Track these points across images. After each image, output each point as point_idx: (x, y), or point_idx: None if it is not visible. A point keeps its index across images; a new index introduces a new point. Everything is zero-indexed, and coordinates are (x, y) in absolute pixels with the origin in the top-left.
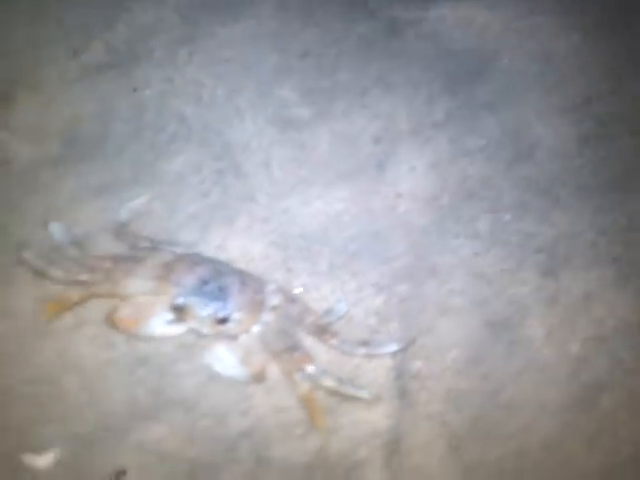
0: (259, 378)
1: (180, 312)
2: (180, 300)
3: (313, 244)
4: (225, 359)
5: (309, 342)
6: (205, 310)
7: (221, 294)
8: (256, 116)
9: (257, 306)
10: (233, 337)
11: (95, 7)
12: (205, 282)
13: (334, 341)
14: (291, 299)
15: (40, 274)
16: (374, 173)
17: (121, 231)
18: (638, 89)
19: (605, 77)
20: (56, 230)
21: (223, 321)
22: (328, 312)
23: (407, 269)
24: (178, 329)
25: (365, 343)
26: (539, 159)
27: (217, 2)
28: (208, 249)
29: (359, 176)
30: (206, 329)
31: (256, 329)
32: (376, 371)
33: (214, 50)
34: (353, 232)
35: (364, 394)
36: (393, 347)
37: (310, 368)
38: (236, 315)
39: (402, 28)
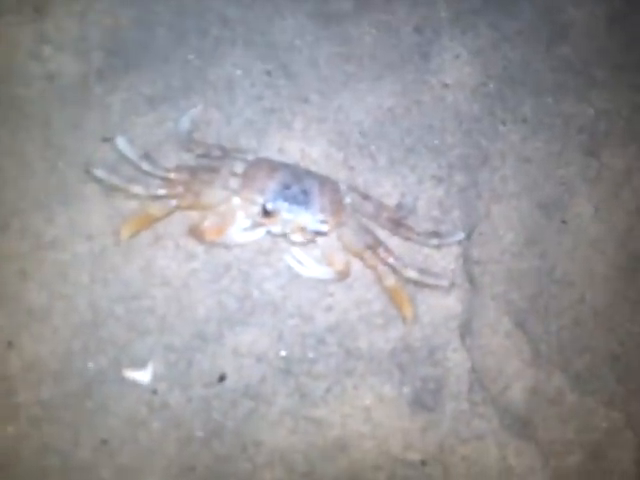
0: (344, 275)
1: (269, 216)
2: (270, 205)
3: (371, 140)
4: (305, 261)
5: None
6: (293, 213)
7: (305, 197)
8: (296, 12)
9: (338, 206)
10: (311, 239)
11: None
12: (287, 186)
13: (410, 234)
14: (364, 196)
15: (117, 190)
16: (419, 63)
17: (187, 141)
18: None
19: None
20: (123, 145)
21: (321, 234)
22: (399, 207)
23: (462, 159)
24: (257, 234)
25: (436, 234)
26: (573, 39)
27: None
28: (269, 153)
29: (405, 67)
30: (292, 232)
31: (334, 235)
32: (445, 259)
33: None
34: (407, 125)
35: (443, 282)
36: (460, 235)
37: (393, 261)
38: (322, 218)
39: None
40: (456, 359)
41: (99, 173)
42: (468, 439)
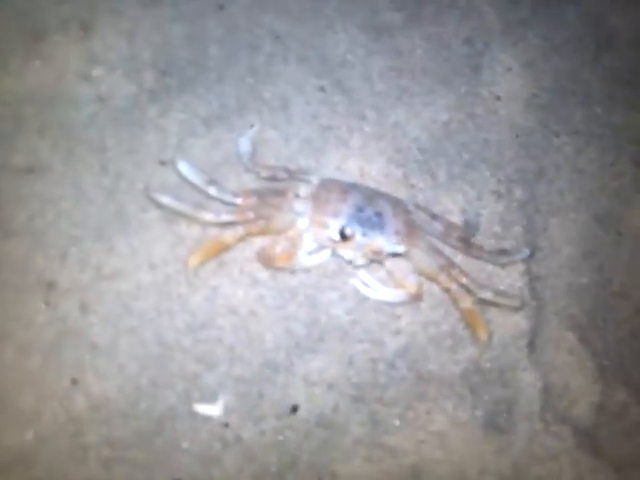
0: (418, 297)
1: (345, 241)
2: (348, 230)
3: (429, 157)
4: (372, 283)
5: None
6: (367, 237)
7: (379, 220)
8: (347, 25)
9: (411, 228)
10: (379, 261)
11: None
12: (360, 209)
13: (480, 253)
14: (432, 216)
15: (183, 217)
16: (471, 76)
17: (249, 163)
18: None
19: None
20: (186, 169)
21: (397, 255)
22: (467, 225)
23: (519, 172)
24: (323, 256)
25: (504, 252)
26: (619, 48)
27: None
28: (328, 172)
29: (457, 80)
30: (361, 256)
31: (406, 258)
32: (511, 276)
33: None
34: (463, 140)
35: (516, 302)
36: (526, 253)
37: (467, 282)
38: (397, 240)
39: None
40: (526, 379)
41: (165, 200)
42: (542, 459)
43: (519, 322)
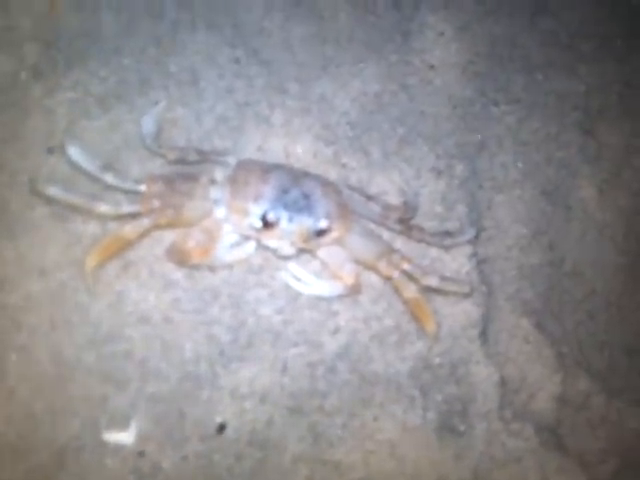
0: (356, 288)
1: (268, 228)
2: (272, 215)
3: (361, 132)
4: (304, 277)
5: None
6: (294, 222)
7: (307, 202)
8: None
9: (344, 210)
10: (310, 250)
11: None
12: (285, 191)
13: (422, 235)
14: (368, 197)
15: (76, 211)
16: (401, 43)
17: (154, 146)
18: None
19: None
20: (77, 154)
21: (322, 233)
22: (406, 206)
23: (459, 147)
24: (248, 249)
25: (448, 234)
26: (556, 11)
27: None
28: (248, 154)
29: (387, 48)
30: (289, 244)
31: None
32: (457, 261)
33: None
34: (397, 113)
35: (465, 288)
36: (472, 233)
37: (411, 269)
38: (330, 233)
39: None
40: (481, 373)
41: (52, 191)
42: (504, 462)
43: (469, 310)
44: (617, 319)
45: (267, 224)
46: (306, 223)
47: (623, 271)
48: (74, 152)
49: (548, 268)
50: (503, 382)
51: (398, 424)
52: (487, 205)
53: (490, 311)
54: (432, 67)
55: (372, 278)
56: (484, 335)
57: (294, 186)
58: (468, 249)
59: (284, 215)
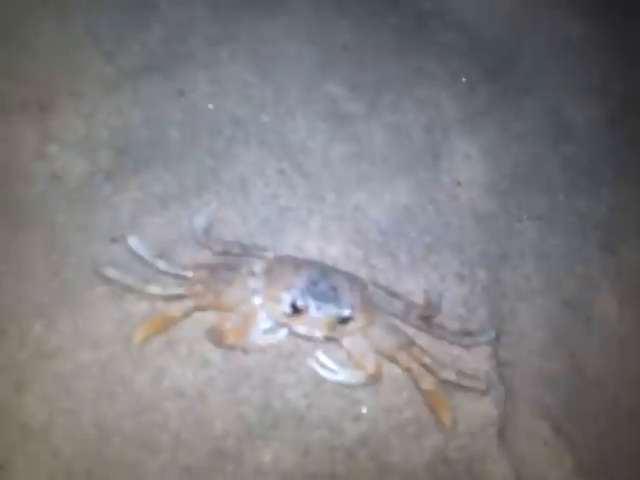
0: (376, 378)
1: (297, 314)
2: (300, 302)
3: (390, 238)
4: (330, 365)
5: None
6: (322, 311)
7: (334, 294)
8: (307, 113)
9: (368, 304)
10: (336, 341)
11: (128, 6)
12: (315, 283)
13: (442, 333)
14: (392, 294)
15: (130, 291)
16: (431, 163)
17: (203, 239)
18: None
19: (618, 56)
20: (135, 243)
21: (345, 321)
22: (428, 304)
23: (483, 256)
24: (280, 336)
25: (468, 333)
26: (578, 139)
27: None
28: (286, 252)
29: (417, 167)
30: (317, 331)
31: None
32: (477, 360)
33: (254, 48)
34: (425, 223)
35: (480, 385)
36: (492, 334)
37: (428, 362)
38: (353, 321)
39: (429, 19)
40: (497, 470)
41: (110, 273)
42: None
43: (488, 410)
44: (637, 434)
45: (296, 310)
46: (332, 312)
47: None
48: (133, 242)
49: (569, 376)
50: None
51: None
52: (509, 312)
53: (508, 412)
54: (459, 184)
55: (395, 370)
56: (502, 435)
57: (323, 279)
58: (488, 350)
59: (312, 304)
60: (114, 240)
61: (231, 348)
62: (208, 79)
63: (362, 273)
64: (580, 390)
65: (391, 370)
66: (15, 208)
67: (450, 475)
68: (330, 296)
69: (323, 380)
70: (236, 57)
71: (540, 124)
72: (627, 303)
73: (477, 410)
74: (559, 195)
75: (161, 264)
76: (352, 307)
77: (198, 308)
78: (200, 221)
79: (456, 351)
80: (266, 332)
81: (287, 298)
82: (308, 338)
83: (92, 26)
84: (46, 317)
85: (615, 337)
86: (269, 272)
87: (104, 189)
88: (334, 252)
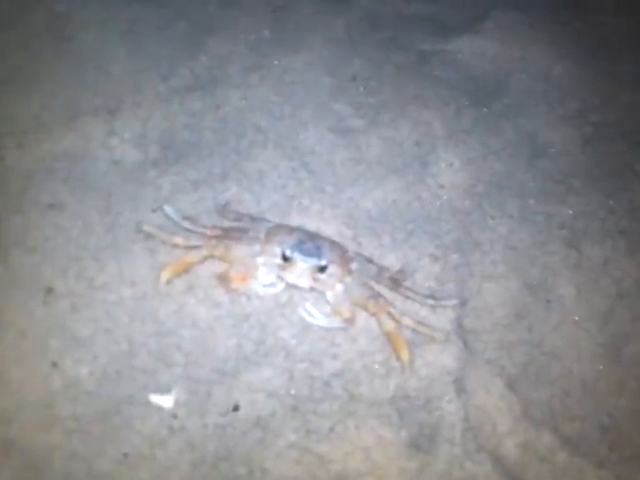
0: (350, 322)
1: (286, 263)
2: (288, 252)
3: (377, 224)
4: (316, 314)
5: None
6: (306, 262)
7: (317, 251)
8: (318, 126)
9: (345, 262)
10: (321, 292)
11: (181, 40)
12: (303, 242)
13: (408, 292)
14: (368, 260)
15: (162, 242)
16: (419, 169)
17: (223, 210)
18: (623, 100)
19: (595, 92)
20: (169, 210)
21: (322, 269)
22: (400, 271)
23: (456, 243)
24: (276, 289)
25: (432, 296)
26: (552, 156)
27: (278, 37)
28: None
29: (407, 171)
30: (304, 280)
31: (342, 285)
32: (440, 321)
33: (280, 75)
34: (409, 215)
35: (439, 334)
36: (454, 300)
37: (392, 310)
38: (331, 268)
39: (428, 57)
40: (450, 409)
41: (148, 229)
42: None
43: (447, 361)
44: (591, 400)
45: (285, 259)
46: (313, 263)
47: (600, 360)
48: (168, 209)
49: (527, 346)
50: (470, 420)
51: (375, 435)
52: (476, 289)
53: (468, 368)
54: (442, 186)
55: (371, 325)
56: (459, 384)
57: (309, 240)
58: (452, 315)
59: (298, 256)
60: (154, 210)
61: (235, 291)
62: (240, 97)
63: (350, 248)
64: (536, 359)
65: (367, 324)
66: (83, 183)
67: (409, 408)
68: (313, 252)
69: (310, 326)
70: (264, 81)
71: (518, 143)
72: (584, 290)
73: (438, 361)
74: (530, 200)
75: (186, 224)
76: (330, 261)
77: (210, 256)
78: (222, 199)
79: (423, 312)
80: (265, 286)
81: (279, 250)
82: (296, 287)
83: (153, 55)
84: (99, 261)
85: (571, 318)
86: (269, 233)
87: (150, 173)
88: (329, 231)
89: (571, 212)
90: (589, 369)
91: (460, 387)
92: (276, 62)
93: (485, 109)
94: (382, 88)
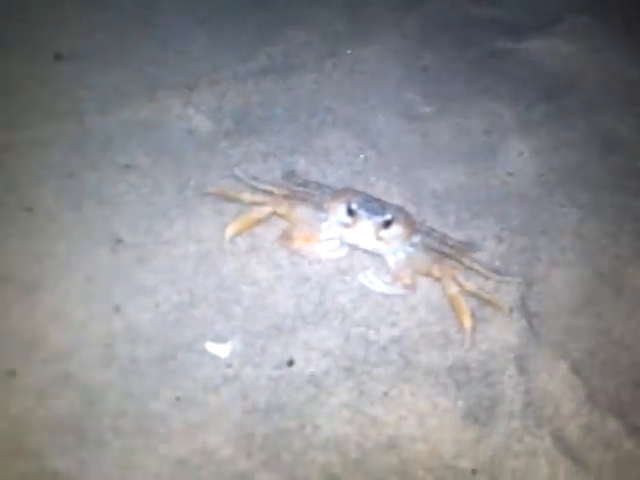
0: (411, 288)
1: (351, 219)
2: (354, 206)
3: (442, 203)
4: (375, 279)
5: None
6: (371, 219)
7: (383, 210)
8: (387, 111)
9: (411, 223)
10: (383, 258)
11: (259, 29)
12: (369, 201)
13: (472, 264)
14: (432, 228)
15: (231, 198)
16: (488, 156)
17: (290, 176)
18: None
19: None
20: (239, 171)
21: (387, 224)
22: (465, 243)
23: (523, 227)
24: (340, 253)
25: (497, 270)
26: (626, 152)
27: (352, 30)
28: None
29: (475, 158)
30: (368, 239)
31: (404, 253)
32: (504, 299)
33: (352, 64)
34: (475, 198)
35: (503, 304)
36: (519, 279)
37: (457, 274)
38: (395, 227)
39: (501, 55)
40: (511, 383)
41: (217, 188)
42: (519, 453)
43: (510, 338)
44: None
45: (351, 213)
46: (379, 220)
47: None
48: (238, 171)
49: (595, 333)
50: (531, 396)
51: (431, 403)
52: (543, 274)
53: (530, 346)
54: (510, 174)
55: (432, 294)
56: (521, 361)
57: (375, 201)
58: (516, 294)
59: (364, 213)
60: (224, 177)
61: (296, 251)
62: (312, 81)
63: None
64: (604, 347)
65: (428, 294)
66: (158, 148)
67: (468, 379)
68: (379, 210)
69: (369, 293)
70: (336, 69)
71: (591, 137)
72: None
73: (500, 336)
74: (602, 191)
75: (254, 182)
76: (395, 219)
77: (275, 213)
78: (290, 169)
79: (488, 287)
80: (329, 250)
81: (345, 206)
82: (359, 249)
83: (232, 40)
84: (167, 218)
85: None
86: (335, 194)
87: (222, 143)
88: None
89: None
90: None
91: (522, 365)
92: (349, 52)
93: (558, 105)
94: (452, 80)
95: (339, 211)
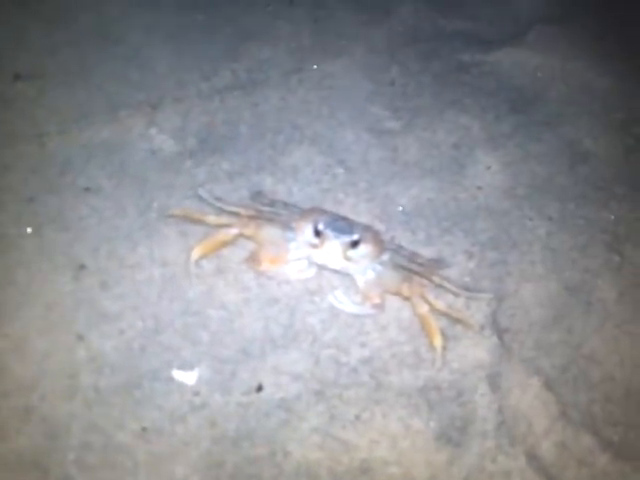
0: (380, 308)
1: (318, 240)
2: (320, 226)
3: (411, 219)
4: (344, 299)
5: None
6: (338, 239)
7: (350, 229)
8: (355, 127)
9: (379, 243)
10: (352, 278)
11: (220, 45)
12: (336, 220)
13: (443, 281)
14: (400, 246)
15: (195, 220)
16: (456, 170)
17: (256, 196)
18: None
19: (638, 105)
20: (203, 192)
21: (355, 244)
22: (434, 260)
23: (493, 241)
24: (308, 273)
25: (467, 288)
26: (594, 164)
27: (318, 45)
28: None
29: (444, 172)
30: (335, 259)
31: (373, 272)
32: (476, 316)
33: (319, 79)
34: (444, 213)
35: (473, 321)
36: (489, 295)
37: (426, 293)
38: (363, 247)
39: (468, 68)
40: (483, 402)
41: (180, 211)
42: (493, 474)
43: (481, 355)
44: (636, 407)
45: (317, 234)
46: (346, 239)
47: None
48: (202, 192)
49: (566, 348)
50: (504, 415)
51: (403, 425)
52: (513, 288)
53: (502, 363)
54: (479, 188)
55: (402, 314)
56: (493, 379)
57: (342, 220)
58: (487, 310)
59: (330, 233)
60: (188, 198)
61: (264, 273)
62: (278, 97)
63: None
64: (576, 362)
65: (398, 314)
66: (120, 169)
67: (440, 399)
68: (346, 229)
69: (338, 313)
70: (302, 84)
71: (559, 149)
72: (627, 293)
73: (471, 354)
74: (570, 204)
75: (220, 204)
76: (363, 238)
77: (242, 235)
78: (257, 189)
79: (458, 305)
80: (298, 271)
81: (311, 227)
82: (327, 270)
83: (197, 56)
84: (131, 242)
85: (613, 321)
86: (303, 214)
87: (186, 163)
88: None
89: (613, 217)
90: (632, 375)
91: (494, 383)
92: (315, 67)
93: (525, 117)
94: (420, 94)
95: (306, 231)
